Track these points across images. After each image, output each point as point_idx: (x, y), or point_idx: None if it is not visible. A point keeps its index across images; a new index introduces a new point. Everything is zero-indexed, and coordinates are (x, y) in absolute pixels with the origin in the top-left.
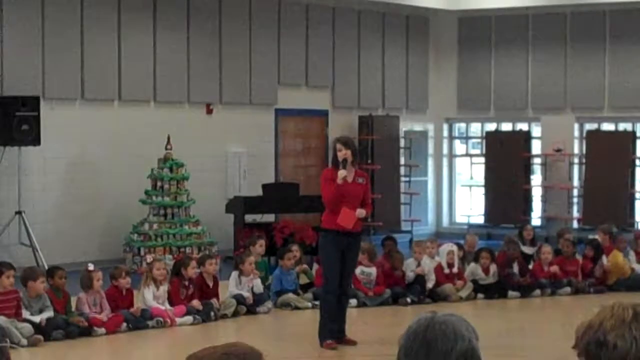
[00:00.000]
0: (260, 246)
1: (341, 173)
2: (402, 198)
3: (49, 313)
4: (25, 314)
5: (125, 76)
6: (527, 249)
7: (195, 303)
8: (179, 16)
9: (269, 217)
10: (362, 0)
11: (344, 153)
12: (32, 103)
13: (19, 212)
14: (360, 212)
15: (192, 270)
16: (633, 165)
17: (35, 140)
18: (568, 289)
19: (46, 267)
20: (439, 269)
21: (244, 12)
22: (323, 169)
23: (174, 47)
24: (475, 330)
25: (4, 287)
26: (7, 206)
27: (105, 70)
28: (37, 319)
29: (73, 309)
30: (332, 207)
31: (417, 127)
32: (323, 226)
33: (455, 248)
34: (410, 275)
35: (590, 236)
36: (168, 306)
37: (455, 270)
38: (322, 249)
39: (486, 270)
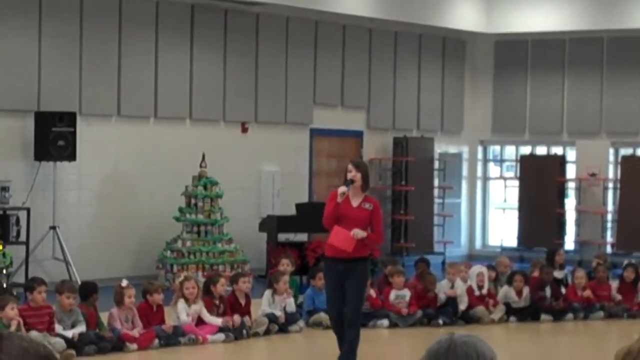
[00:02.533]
0: (286, 265)
1: (341, 189)
2: (436, 220)
3: (81, 328)
4: (58, 328)
5: (161, 93)
6: (557, 273)
7: (236, 318)
8: (216, 35)
9: (302, 237)
10: (399, 21)
11: (353, 174)
12: (69, 119)
13: (53, 227)
14: (357, 233)
15: (221, 288)
16: None
17: (71, 156)
18: (601, 314)
19: (79, 282)
20: (470, 291)
21: (281, 31)
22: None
23: (210, 66)
24: (494, 351)
25: (37, 302)
26: (42, 221)
27: (141, 88)
28: (69, 333)
29: (105, 324)
30: (328, 226)
31: (452, 149)
32: (325, 252)
33: (484, 270)
34: (442, 297)
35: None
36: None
37: (484, 291)
38: (325, 274)
39: (519, 293)
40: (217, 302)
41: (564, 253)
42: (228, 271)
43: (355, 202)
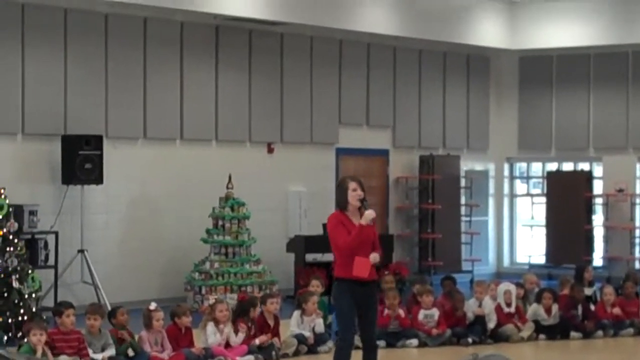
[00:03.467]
0: (316, 286)
1: (370, 214)
2: (463, 238)
3: (111, 351)
4: (90, 352)
5: (187, 115)
6: (587, 290)
7: (263, 337)
8: (241, 55)
9: (329, 257)
10: (423, 39)
11: (359, 193)
12: (96, 142)
13: (81, 251)
14: (375, 257)
15: (258, 310)
16: None
17: (98, 179)
18: (631, 330)
19: (108, 305)
20: (498, 309)
21: (305, 52)
22: (382, 208)
23: (235, 86)
24: None
25: (66, 326)
26: (70, 245)
27: (167, 110)
28: (99, 356)
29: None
30: (351, 253)
31: (478, 167)
32: (338, 275)
33: (512, 287)
34: (470, 315)
35: None
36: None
37: (512, 309)
38: (337, 299)
39: (548, 311)
40: (249, 324)
41: (592, 270)
42: (256, 292)
43: (362, 220)
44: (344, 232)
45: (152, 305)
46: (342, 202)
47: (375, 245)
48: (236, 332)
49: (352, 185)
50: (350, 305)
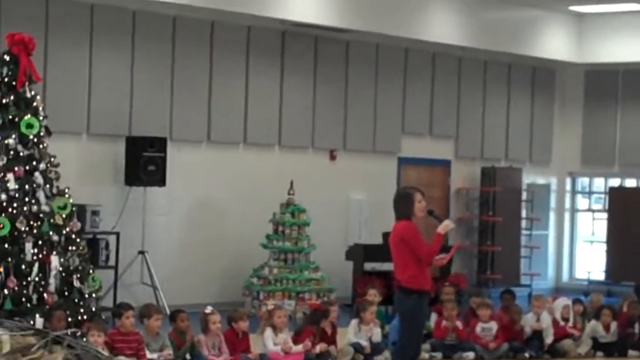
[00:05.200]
0: (373, 296)
1: (449, 224)
2: (522, 251)
3: (168, 352)
4: (147, 353)
5: (251, 120)
6: None
7: (322, 345)
8: (306, 61)
9: (388, 266)
10: (489, 50)
11: (424, 204)
12: (160, 144)
13: (142, 252)
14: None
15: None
16: None
17: (161, 181)
18: None
19: (167, 307)
20: (555, 323)
21: (371, 59)
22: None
23: (300, 93)
24: None
25: (126, 328)
26: (131, 245)
27: (231, 113)
28: (155, 355)
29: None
30: (430, 263)
31: (540, 180)
32: (415, 287)
33: (570, 302)
34: (527, 330)
35: None
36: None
37: (570, 324)
38: (412, 312)
39: (607, 328)
40: (315, 333)
41: None
42: (314, 299)
43: (440, 229)
44: (423, 242)
45: (208, 309)
46: (407, 213)
47: None
48: (302, 340)
49: (418, 196)
50: (421, 321)
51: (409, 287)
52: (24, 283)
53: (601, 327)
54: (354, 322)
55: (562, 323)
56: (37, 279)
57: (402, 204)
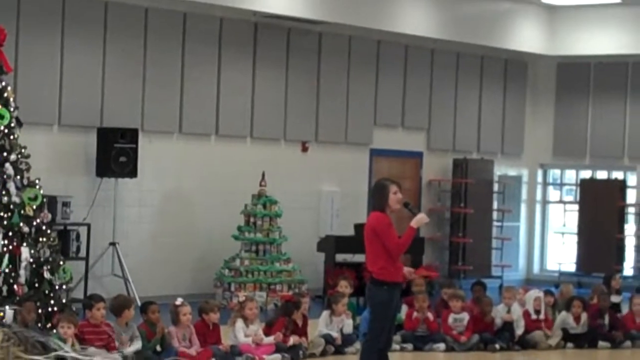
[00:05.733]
0: (344, 287)
1: (423, 218)
2: (494, 243)
3: (137, 344)
4: (118, 344)
5: (223, 111)
6: (614, 298)
7: (293, 338)
8: (279, 53)
9: (360, 257)
10: (461, 42)
11: (400, 196)
12: (131, 135)
13: (113, 244)
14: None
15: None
16: None
17: (132, 173)
18: None
19: (138, 299)
20: (527, 315)
21: (343, 51)
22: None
23: (272, 84)
24: None
25: (96, 319)
26: (102, 237)
27: (203, 105)
28: (126, 350)
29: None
30: (399, 255)
31: (512, 172)
32: (386, 279)
33: (541, 294)
34: (498, 321)
35: None
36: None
37: (542, 316)
38: (382, 304)
39: (577, 319)
40: (287, 324)
41: (620, 278)
42: (285, 291)
43: (413, 223)
44: (394, 234)
45: (178, 301)
46: (381, 205)
47: None
48: (274, 332)
49: (393, 188)
50: (390, 313)
51: (380, 278)
52: None
53: (571, 319)
54: (325, 313)
55: (533, 315)
56: (7, 270)
57: (377, 195)
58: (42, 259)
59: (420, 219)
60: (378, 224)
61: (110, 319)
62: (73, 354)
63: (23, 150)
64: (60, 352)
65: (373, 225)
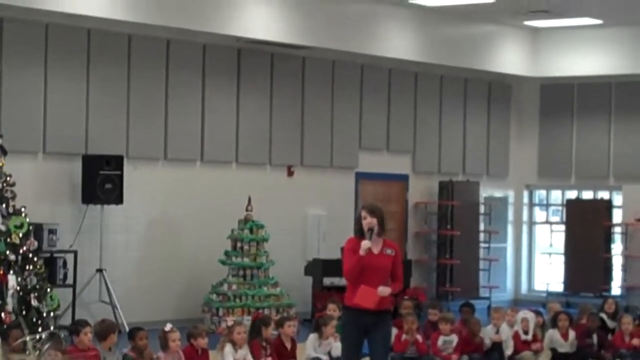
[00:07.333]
0: (333, 310)
1: (365, 244)
2: (481, 264)
3: None
4: None
5: (207, 137)
6: (610, 323)
7: None
8: (262, 78)
9: None
10: (444, 65)
11: (369, 221)
12: (116, 162)
13: (100, 270)
14: (383, 291)
15: (271, 330)
16: None
17: (118, 199)
18: None
19: (126, 325)
20: (516, 336)
21: (327, 76)
22: (401, 233)
23: (256, 109)
24: None
25: (83, 344)
26: (89, 264)
27: (188, 131)
28: None
29: None
30: (353, 280)
31: (497, 194)
32: (344, 302)
33: (530, 315)
34: (487, 342)
35: None
36: None
37: (529, 337)
38: (344, 327)
39: (565, 335)
40: (264, 343)
41: (613, 302)
42: (273, 315)
43: (376, 249)
44: (351, 259)
45: (168, 327)
46: (358, 230)
47: (395, 276)
48: (254, 355)
49: (363, 213)
50: (352, 336)
51: (344, 302)
52: None
53: (559, 335)
54: (313, 336)
55: (523, 336)
56: None
57: (356, 220)
58: (29, 287)
59: (362, 245)
60: (344, 247)
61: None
62: None
63: (8, 179)
64: None
65: None
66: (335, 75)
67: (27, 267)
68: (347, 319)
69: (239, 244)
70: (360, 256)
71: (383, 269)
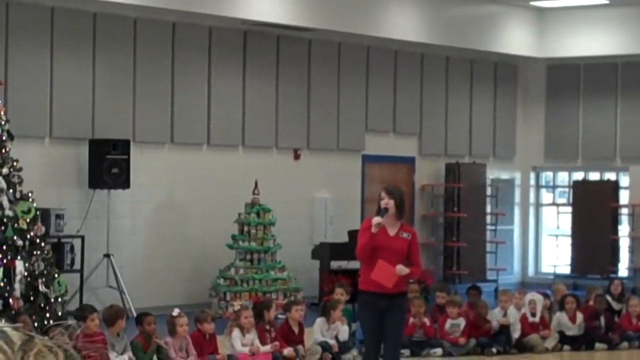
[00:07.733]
0: (340, 294)
1: (376, 219)
2: (488, 247)
3: (129, 354)
4: (111, 355)
5: (214, 121)
6: (616, 305)
7: (288, 351)
8: (269, 61)
9: (355, 264)
10: (451, 46)
11: (385, 202)
12: (123, 146)
13: (107, 255)
14: (401, 269)
15: (274, 314)
16: None
17: (125, 184)
18: None
19: (133, 310)
20: (524, 319)
21: (333, 58)
22: (409, 215)
23: (262, 92)
24: None
25: (90, 330)
26: (96, 249)
27: (194, 115)
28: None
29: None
30: (364, 258)
31: (504, 176)
32: (360, 287)
33: (537, 297)
34: (495, 325)
35: None
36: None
37: (537, 319)
38: (359, 313)
39: (572, 318)
40: (267, 327)
41: (619, 283)
42: (281, 299)
43: (391, 231)
44: (364, 237)
45: (175, 312)
46: (377, 210)
47: (413, 261)
48: (262, 340)
49: (382, 194)
50: (372, 320)
51: (359, 286)
52: None
53: (566, 318)
54: (320, 320)
55: (530, 319)
56: (1, 284)
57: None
58: (36, 272)
59: (372, 221)
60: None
61: (103, 329)
62: None
63: (15, 164)
64: None
65: None
66: (341, 57)
67: (35, 252)
68: (362, 304)
69: (246, 228)
70: (372, 234)
71: (399, 251)
